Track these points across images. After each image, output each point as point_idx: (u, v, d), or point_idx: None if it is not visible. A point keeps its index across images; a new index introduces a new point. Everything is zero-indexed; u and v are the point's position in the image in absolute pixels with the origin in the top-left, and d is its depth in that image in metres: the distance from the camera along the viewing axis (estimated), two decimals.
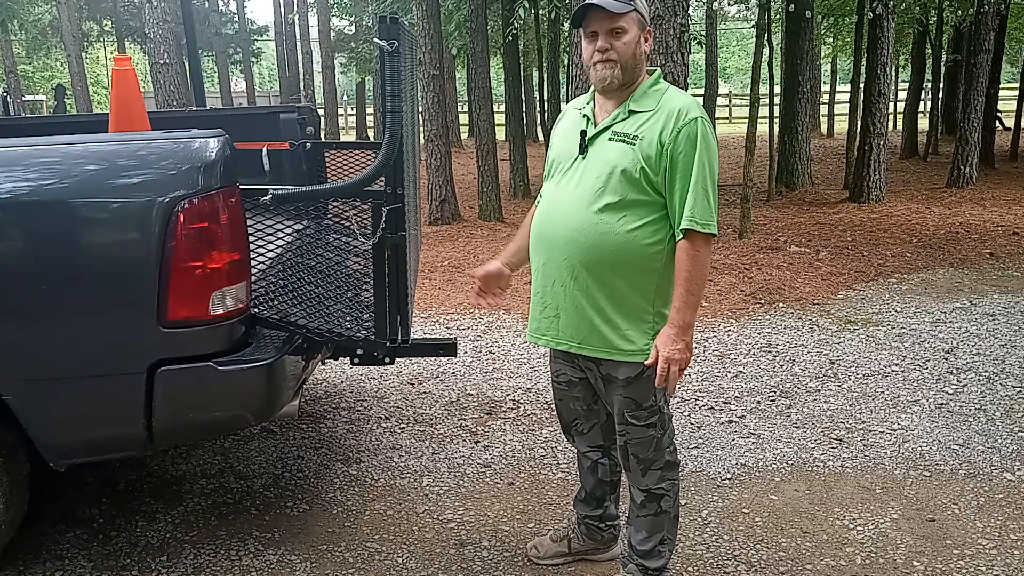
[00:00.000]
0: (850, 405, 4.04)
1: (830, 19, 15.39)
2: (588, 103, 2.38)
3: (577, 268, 2.29)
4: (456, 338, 3.15)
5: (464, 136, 20.88)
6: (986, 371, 4.43)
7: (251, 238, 2.48)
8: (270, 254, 2.61)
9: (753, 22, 11.32)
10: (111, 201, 2.30)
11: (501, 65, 12.77)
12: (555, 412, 2.71)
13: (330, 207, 3.16)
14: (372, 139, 20.25)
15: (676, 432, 2.51)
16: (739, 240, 8.14)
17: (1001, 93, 14.42)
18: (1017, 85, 17.30)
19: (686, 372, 2.30)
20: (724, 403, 4.09)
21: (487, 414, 4.02)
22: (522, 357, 4.82)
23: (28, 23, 22.99)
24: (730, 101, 30.77)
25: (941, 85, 16.16)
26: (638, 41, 2.25)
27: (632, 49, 2.24)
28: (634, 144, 2.22)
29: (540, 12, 13.89)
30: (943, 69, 16.16)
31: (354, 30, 22.74)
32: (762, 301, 5.93)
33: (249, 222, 2.46)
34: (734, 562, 2.75)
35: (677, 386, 2.31)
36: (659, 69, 2.38)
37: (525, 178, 11.21)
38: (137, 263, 2.28)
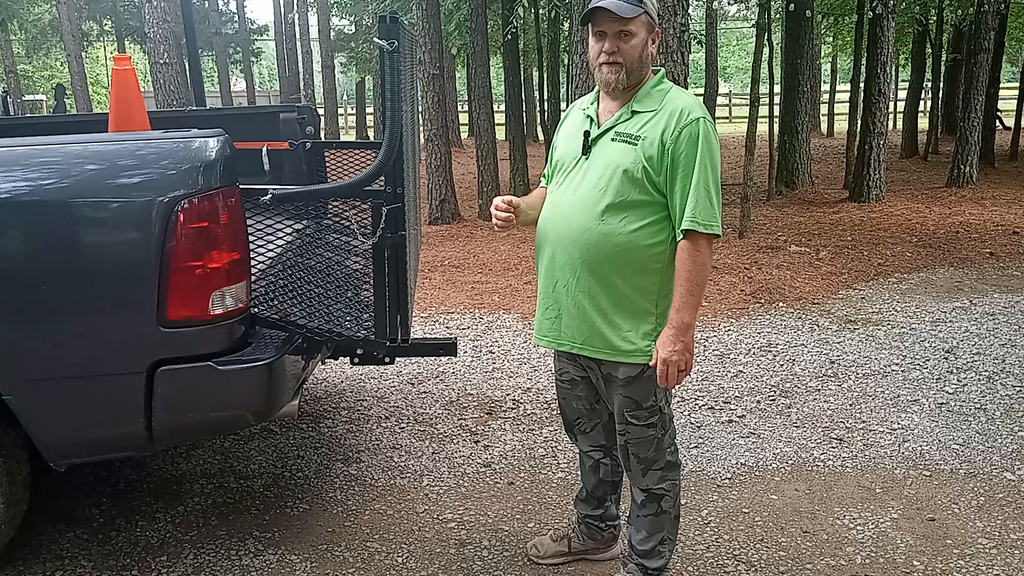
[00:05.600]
0: (850, 405, 4.04)
1: (830, 19, 15.39)
2: (592, 103, 2.37)
3: (579, 268, 2.29)
4: (456, 338, 3.15)
5: (464, 136, 20.87)
6: (986, 371, 4.43)
7: (251, 238, 2.48)
8: (270, 254, 2.61)
9: (753, 21, 11.32)
10: (111, 201, 2.30)
11: (501, 65, 12.76)
12: (556, 411, 2.71)
13: (330, 207, 3.16)
14: (372, 139, 20.25)
15: (676, 432, 2.51)
16: (739, 239, 8.14)
17: (1001, 92, 14.41)
18: (1017, 85, 17.31)
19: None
20: (724, 403, 4.09)
21: (487, 414, 4.02)
22: (522, 357, 4.82)
23: (28, 23, 22.98)
24: (730, 101, 30.79)
25: (941, 84, 16.16)
26: (645, 44, 2.24)
27: (639, 52, 2.23)
28: (636, 144, 2.22)
29: (540, 12, 13.89)
30: (943, 69, 16.15)
31: (354, 30, 22.73)
32: (762, 301, 5.93)
33: (249, 222, 2.46)
34: (734, 562, 2.75)
35: (677, 384, 2.31)
36: (663, 69, 2.38)
37: (525, 178, 11.21)
38: (137, 263, 2.28)
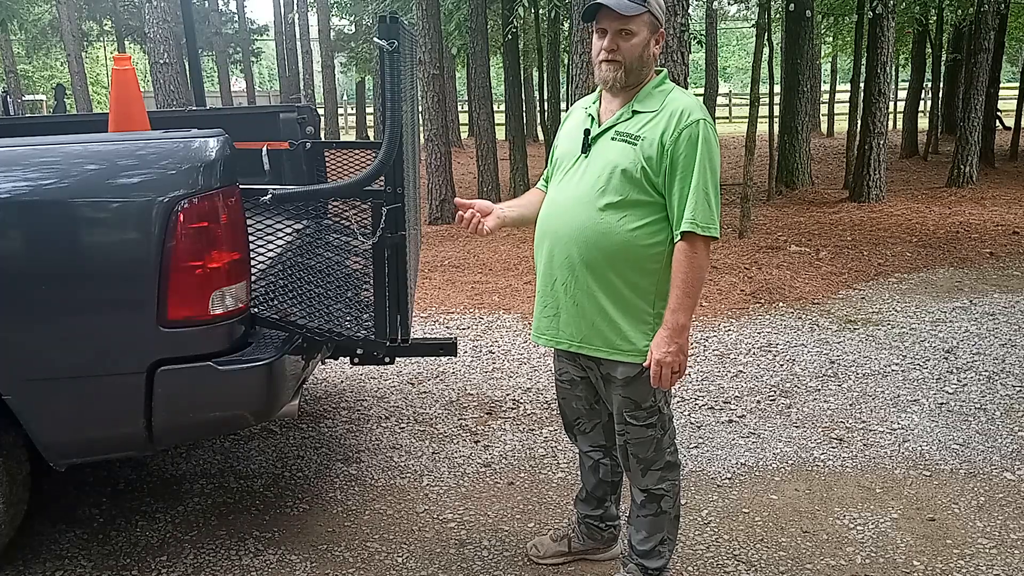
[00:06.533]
0: (850, 405, 4.04)
1: (830, 18, 15.38)
2: (594, 102, 2.38)
3: (578, 266, 2.29)
4: (456, 338, 3.15)
5: (464, 136, 20.88)
6: (986, 371, 4.43)
7: (251, 238, 2.48)
8: (270, 254, 2.61)
9: (753, 21, 11.32)
10: (111, 201, 2.30)
11: (501, 65, 12.77)
12: (556, 411, 2.71)
13: (330, 207, 3.16)
14: (372, 139, 20.24)
15: (676, 432, 2.51)
16: (739, 239, 8.14)
17: (1001, 92, 14.41)
18: (1017, 84, 17.30)
19: (686, 372, 2.30)
20: (724, 403, 4.09)
21: (487, 414, 4.02)
22: (522, 357, 4.82)
23: (28, 23, 22.97)
24: (730, 101, 30.79)
25: (941, 84, 16.15)
26: (647, 44, 2.24)
27: (640, 52, 2.23)
28: (636, 144, 2.22)
29: (540, 12, 13.88)
30: (943, 68, 16.15)
31: (354, 30, 22.72)
32: (762, 301, 5.93)
33: (249, 222, 2.46)
34: (734, 562, 2.75)
35: (675, 384, 2.31)
36: (665, 70, 2.38)
37: (525, 178, 11.21)
38: (137, 263, 2.28)
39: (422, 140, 8.77)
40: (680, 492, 2.51)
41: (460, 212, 2.46)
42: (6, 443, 2.45)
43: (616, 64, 2.23)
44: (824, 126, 21.56)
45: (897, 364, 4.57)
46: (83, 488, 3.27)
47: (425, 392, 4.31)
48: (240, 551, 2.84)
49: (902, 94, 18.92)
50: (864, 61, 11.00)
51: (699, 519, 3.01)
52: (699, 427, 3.80)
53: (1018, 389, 4.17)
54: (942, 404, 4.01)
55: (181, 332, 2.32)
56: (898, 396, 4.12)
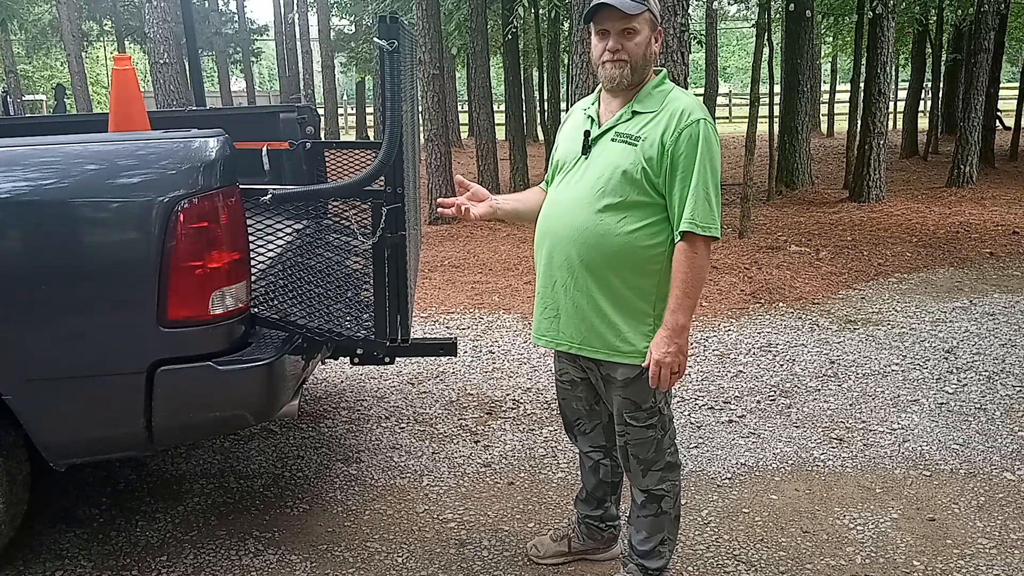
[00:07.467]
0: (850, 405, 4.04)
1: (830, 18, 15.39)
2: (593, 104, 2.38)
3: (577, 268, 2.29)
4: (456, 338, 3.15)
5: (464, 136, 20.89)
6: (986, 371, 4.43)
7: (251, 238, 2.48)
8: (270, 254, 2.61)
9: (753, 21, 11.32)
10: (111, 201, 2.30)
11: (501, 65, 12.78)
12: (556, 411, 2.71)
13: (330, 207, 3.16)
14: (372, 139, 20.25)
15: (676, 432, 2.51)
16: (739, 239, 8.14)
17: (1001, 92, 14.42)
18: (1017, 84, 17.32)
19: (686, 372, 2.30)
20: (724, 403, 4.09)
21: (487, 414, 4.02)
22: (522, 357, 4.82)
23: (28, 23, 22.97)
24: (730, 101, 30.80)
25: (941, 84, 16.16)
26: (649, 42, 2.24)
27: (643, 50, 2.23)
28: (636, 145, 2.22)
29: (540, 12, 13.89)
30: (943, 68, 16.16)
31: (354, 30, 22.74)
32: (762, 301, 5.93)
33: (249, 222, 2.46)
34: (734, 562, 2.75)
35: (675, 385, 2.30)
36: (664, 69, 2.38)
37: (525, 178, 11.22)
38: (137, 263, 2.29)
39: (422, 140, 8.78)
40: (680, 492, 2.51)
41: (442, 206, 2.45)
42: (6, 443, 2.45)
43: (622, 63, 2.22)
44: (824, 126, 21.57)
45: (897, 364, 4.57)
46: (83, 488, 3.27)
47: (425, 392, 4.31)
48: (240, 551, 2.84)
49: (902, 94, 18.93)
50: (864, 61, 11.01)
51: (699, 519, 3.01)
52: (699, 427, 3.80)
53: (1018, 389, 4.17)
54: (942, 404, 4.01)
55: (181, 332, 2.32)
56: (898, 396, 4.12)
